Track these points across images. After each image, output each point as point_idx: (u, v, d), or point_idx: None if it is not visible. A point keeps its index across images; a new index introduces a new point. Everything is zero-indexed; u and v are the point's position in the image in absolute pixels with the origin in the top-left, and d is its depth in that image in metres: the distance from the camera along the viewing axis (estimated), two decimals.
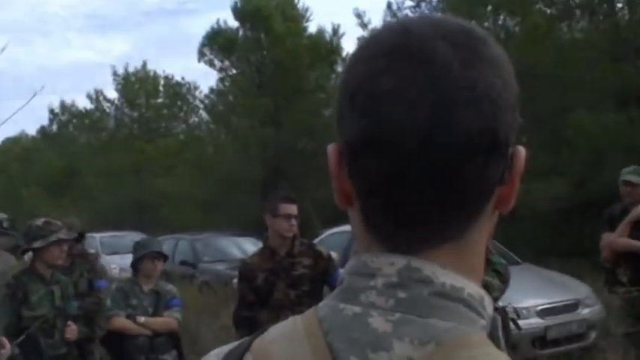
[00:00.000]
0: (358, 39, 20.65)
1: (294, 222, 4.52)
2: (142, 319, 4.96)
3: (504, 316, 4.03)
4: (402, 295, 0.69)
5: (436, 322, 0.68)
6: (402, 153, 0.68)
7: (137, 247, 5.23)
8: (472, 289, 0.71)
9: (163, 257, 5.19)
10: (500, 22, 16.72)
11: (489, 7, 16.57)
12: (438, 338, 0.67)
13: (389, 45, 0.71)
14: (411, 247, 0.71)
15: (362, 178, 0.72)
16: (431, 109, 0.67)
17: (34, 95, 2.08)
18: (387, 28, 0.75)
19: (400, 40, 0.71)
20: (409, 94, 0.68)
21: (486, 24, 16.02)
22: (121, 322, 4.97)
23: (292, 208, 4.55)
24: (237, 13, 23.73)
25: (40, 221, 4.90)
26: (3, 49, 2.08)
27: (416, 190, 0.69)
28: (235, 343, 0.80)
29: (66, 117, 35.90)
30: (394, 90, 0.68)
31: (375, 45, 0.72)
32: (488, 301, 0.73)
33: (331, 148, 0.76)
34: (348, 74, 0.73)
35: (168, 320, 5.04)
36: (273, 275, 4.52)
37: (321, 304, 0.75)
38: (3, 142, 45.44)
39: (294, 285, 4.50)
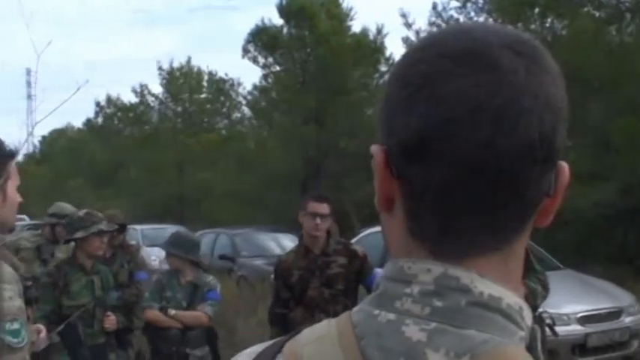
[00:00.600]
0: (403, 39, 20.58)
1: (319, 221, 4.47)
2: (172, 311, 4.96)
3: (540, 323, 3.98)
4: (438, 303, 0.68)
5: (473, 334, 0.66)
6: (461, 156, 0.67)
7: (168, 242, 5.21)
8: (511, 299, 0.69)
9: (193, 263, 5.14)
10: (547, 25, 16.46)
11: (537, 10, 16.32)
12: (474, 350, 0.65)
13: (454, 48, 0.70)
14: (454, 254, 0.70)
15: (412, 180, 0.70)
16: (495, 114, 0.66)
17: (79, 89, 2.09)
18: (449, 31, 0.74)
19: (465, 45, 0.69)
20: (474, 97, 0.67)
21: (533, 27, 15.79)
22: (152, 314, 5.00)
23: (320, 207, 4.51)
24: (282, 10, 23.81)
25: (82, 212, 4.97)
26: (49, 43, 2.09)
27: (468, 195, 0.68)
28: (268, 344, 0.79)
29: (111, 110, 36.42)
30: (459, 92, 0.67)
31: (438, 46, 0.71)
32: (527, 311, 0.71)
33: (377, 149, 0.74)
34: (406, 73, 0.72)
35: (197, 314, 5.00)
36: (307, 273, 4.52)
37: (355, 308, 0.74)
38: (50, 133, 46.36)
39: (329, 284, 4.49)
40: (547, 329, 4.40)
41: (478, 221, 0.69)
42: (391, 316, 0.69)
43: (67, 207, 5.78)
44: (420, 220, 0.71)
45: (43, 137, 48.43)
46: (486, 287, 0.68)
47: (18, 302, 2.05)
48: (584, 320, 7.56)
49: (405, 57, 0.74)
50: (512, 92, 0.67)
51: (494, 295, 0.68)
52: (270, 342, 0.79)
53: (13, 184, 2.21)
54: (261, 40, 24.19)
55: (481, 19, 18.01)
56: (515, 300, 0.70)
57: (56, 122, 46.05)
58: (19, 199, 2.27)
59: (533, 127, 0.67)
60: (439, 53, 0.70)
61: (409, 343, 0.66)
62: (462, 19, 19.00)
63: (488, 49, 0.69)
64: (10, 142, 2.30)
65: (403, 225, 0.73)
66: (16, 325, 1.99)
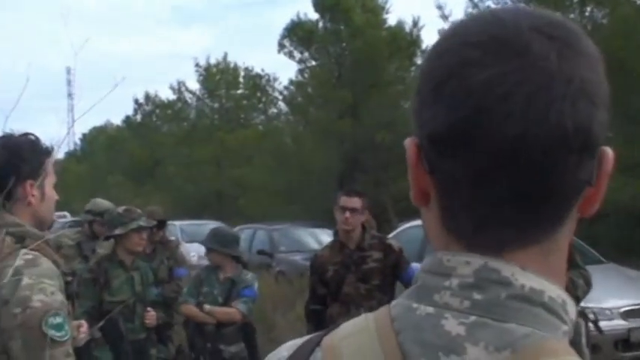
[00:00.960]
0: (439, 31, 20.43)
1: (348, 215, 4.44)
2: (207, 307, 4.99)
3: (584, 318, 3.91)
4: (477, 296, 0.66)
5: (514, 327, 0.64)
6: (492, 147, 0.65)
7: (208, 237, 5.24)
8: (554, 292, 0.67)
9: (234, 258, 5.16)
10: (587, 14, 16.20)
11: None
12: (515, 345, 0.63)
13: (481, 35, 0.67)
14: (491, 247, 0.68)
15: (444, 173, 0.69)
16: (526, 102, 0.64)
17: (116, 86, 2.11)
18: (477, 18, 0.72)
19: (493, 31, 0.67)
20: (503, 86, 0.64)
21: (572, 15, 15.54)
22: (188, 309, 5.04)
23: (349, 201, 4.47)
24: (317, 5, 23.81)
25: (121, 209, 5.03)
26: (86, 41, 2.12)
27: (503, 187, 0.66)
28: (306, 338, 0.78)
29: (150, 107, 36.84)
30: (487, 81, 0.65)
31: (464, 35, 0.69)
32: (571, 305, 0.69)
33: (409, 142, 0.72)
34: (434, 64, 0.70)
35: (230, 311, 5.00)
36: (343, 268, 4.50)
37: (393, 302, 0.73)
38: (90, 130, 47.06)
39: (364, 279, 4.46)
40: (591, 325, 4.32)
41: (513, 214, 0.67)
42: (430, 309, 0.67)
43: (103, 203, 5.84)
44: (454, 215, 0.70)
45: (84, 135, 49.21)
46: (528, 280, 0.66)
47: (60, 297, 2.07)
48: (628, 315, 7.44)
49: (432, 48, 0.72)
50: (543, 78, 0.64)
51: (535, 288, 0.66)
52: (307, 337, 0.78)
53: (50, 182, 2.24)
54: (297, 35, 24.22)
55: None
56: (557, 293, 0.68)
57: (96, 120, 46.72)
58: (56, 196, 2.30)
59: (567, 115, 0.64)
60: (465, 42, 0.68)
61: (448, 337, 0.65)
62: None
63: (517, 34, 0.66)
64: (51, 139, 2.34)
65: (438, 219, 0.72)
66: (59, 319, 2.01)
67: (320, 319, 4.54)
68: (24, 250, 2.04)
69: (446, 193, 0.70)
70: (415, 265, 4.73)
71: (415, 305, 0.69)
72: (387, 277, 4.52)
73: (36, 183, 2.17)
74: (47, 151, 2.24)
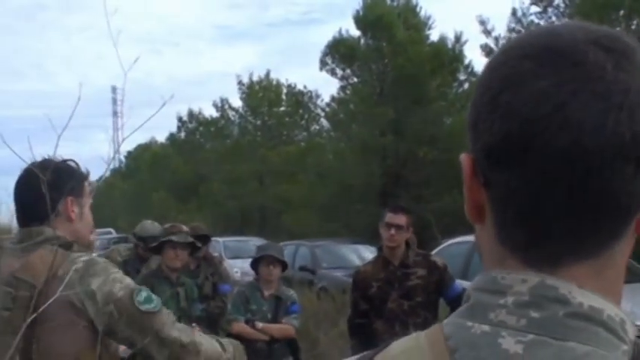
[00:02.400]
0: (482, 46, 20.31)
1: (393, 232, 4.43)
2: (259, 324, 5.02)
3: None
4: (534, 314, 0.65)
5: (574, 346, 0.63)
6: (547, 157, 0.64)
7: (257, 251, 5.34)
8: (612, 310, 0.66)
9: (281, 263, 5.21)
10: (633, 27, 15.97)
11: (621, 12, 15.87)
12: None
13: (536, 47, 0.68)
14: (546, 261, 0.68)
15: (498, 186, 0.68)
16: (582, 111, 0.63)
17: (164, 104, 2.16)
18: (533, 32, 0.72)
19: (549, 43, 0.67)
20: (558, 95, 0.64)
21: (618, 29, 15.32)
22: (239, 326, 5.06)
23: (395, 218, 4.46)
24: (359, 21, 23.89)
25: (167, 225, 5.11)
26: (136, 60, 2.17)
27: (557, 199, 0.65)
28: (355, 357, 0.77)
29: (193, 124, 37.27)
30: (542, 91, 0.65)
31: (520, 47, 0.69)
32: (630, 325, 0.67)
33: (465, 157, 0.72)
34: (489, 77, 0.70)
35: (285, 327, 5.07)
36: (386, 285, 4.48)
37: (445, 320, 0.72)
38: (135, 148, 47.73)
39: (408, 296, 4.44)
40: None
41: (568, 227, 0.66)
42: (485, 327, 0.67)
43: (149, 227, 5.91)
44: (509, 228, 0.69)
45: (129, 152, 49.94)
46: (586, 298, 0.66)
47: (129, 279, 2.19)
48: None
49: (489, 61, 0.73)
50: (599, 88, 0.64)
51: (594, 307, 0.65)
52: (357, 356, 0.78)
53: (87, 203, 2.34)
54: (339, 51, 24.32)
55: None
56: (616, 311, 0.66)
57: (141, 137, 47.43)
58: (91, 218, 2.39)
59: (624, 125, 0.63)
60: (521, 54, 0.68)
61: (506, 356, 0.64)
62: (542, 24, 18.64)
63: (573, 45, 0.66)
64: (99, 157, 2.41)
65: (493, 234, 0.71)
66: (144, 294, 2.13)
67: (365, 334, 4.53)
68: (75, 254, 2.13)
69: (500, 206, 0.69)
70: (459, 282, 4.69)
71: (470, 323, 0.68)
72: (431, 294, 4.48)
73: (76, 200, 2.27)
74: (85, 175, 2.35)
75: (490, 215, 0.71)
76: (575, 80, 0.64)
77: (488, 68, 0.71)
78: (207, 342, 2.26)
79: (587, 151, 0.63)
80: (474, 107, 0.71)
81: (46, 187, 2.13)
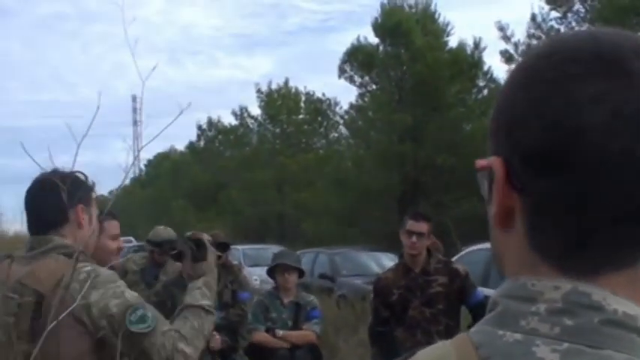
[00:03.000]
0: (501, 52, 20.25)
1: (415, 239, 4.41)
2: (280, 332, 5.02)
3: None
4: (568, 322, 0.64)
5: (611, 354, 0.62)
6: (596, 164, 0.64)
7: (273, 258, 5.35)
8: None
9: (297, 270, 5.20)
10: None
11: None
12: None
13: (584, 52, 0.67)
14: (585, 269, 0.67)
15: (537, 192, 0.67)
16: (632, 121, 0.63)
17: (181, 112, 2.17)
18: (575, 37, 0.71)
19: (595, 50, 0.67)
20: (609, 104, 0.64)
21: (639, 34, 15.23)
22: (260, 336, 5.06)
23: (416, 226, 4.44)
24: (377, 28, 23.91)
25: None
26: (153, 69, 2.19)
27: (604, 208, 0.65)
28: None
29: (212, 133, 37.45)
30: (592, 99, 0.64)
31: (565, 52, 0.68)
32: None
33: (496, 161, 0.70)
34: (531, 81, 0.69)
35: (306, 333, 5.07)
36: (407, 292, 4.46)
37: (473, 329, 0.71)
38: (155, 156, 48.05)
39: (430, 303, 4.41)
40: None
41: (609, 236, 0.65)
42: (518, 336, 0.65)
43: (162, 232, 5.92)
44: (546, 235, 0.68)
45: (148, 161, 50.28)
46: (620, 305, 0.65)
47: (130, 293, 2.19)
48: None
49: (526, 64, 0.71)
50: None
51: (629, 313, 0.64)
52: None
53: (95, 213, 2.40)
54: (357, 59, 24.35)
55: (583, 28, 17.53)
56: None
57: (161, 146, 47.74)
58: (97, 226, 2.44)
59: None
60: (568, 59, 0.67)
61: None
62: (562, 29, 18.55)
63: (620, 53, 0.66)
64: (118, 166, 2.44)
65: (524, 241, 0.70)
66: (138, 313, 2.13)
67: (385, 342, 4.51)
68: (80, 264, 2.15)
69: (537, 212, 0.68)
70: (480, 290, 4.66)
71: (500, 332, 0.67)
72: (453, 301, 4.45)
73: (86, 208, 2.32)
74: (92, 186, 2.42)
75: (522, 221, 0.70)
76: (624, 88, 0.64)
77: (526, 72, 0.70)
78: (191, 345, 2.26)
79: (634, 162, 0.63)
80: (509, 111, 0.70)
81: (61, 194, 2.17)
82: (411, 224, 4.45)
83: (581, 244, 0.66)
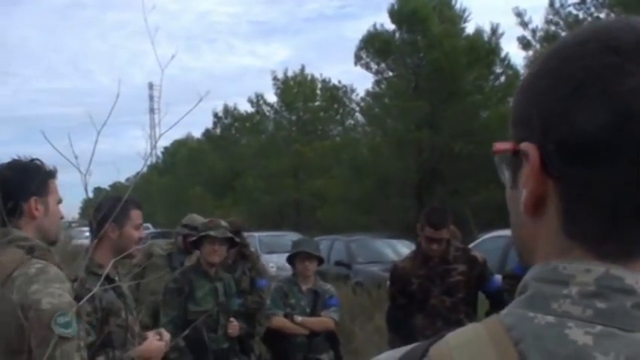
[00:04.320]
0: (519, 39, 20.09)
1: (435, 247, 4.41)
2: (299, 318, 5.05)
3: None
4: (600, 305, 0.65)
5: None
6: (634, 157, 0.65)
7: (293, 246, 5.37)
8: None
9: (317, 258, 5.23)
10: None
11: None
12: None
13: (621, 42, 0.67)
14: (620, 254, 0.67)
15: (574, 179, 0.68)
16: None
17: (200, 100, 2.18)
18: (611, 25, 0.71)
19: (634, 39, 0.67)
20: None
21: None
22: (279, 321, 5.09)
23: (436, 234, 4.38)
24: (393, 15, 23.77)
25: (206, 220, 5.15)
26: (173, 57, 2.20)
27: (633, 198, 0.66)
28: (406, 348, 0.77)
29: (229, 120, 37.47)
30: (634, 89, 0.65)
31: (603, 41, 0.68)
32: None
33: (530, 147, 0.70)
34: (567, 68, 0.69)
35: (325, 320, 5.10)
36: (427, 281, 4.46)
37: (503, 312, 0.72)
38: (172, 144, 48.19)
39: (450, 292, 4.41)
40: None
41: None
42: (550, 318, 0.66)
43: (198, 218, 5.93)
44: (582, 222, 0.69)
45: (165, 148, 50.43)
46: None
47: (67, 298, 2.28)
48: None
49: (560, 51, 0.72)
50: None
51: None
52: (410, 346, 0.77)
53: (54, 200, 2.51)
54: (374, 46, 24.24)
55: (602, 15, 17.34)
56: None
57: (177, 133, 47.88)
58: (61, 214, 2.58)
59: None
60: (606, 47, 0.67)
61: (574, 347, 0.64)
62: (581, 15, 18.37)
63: None
64: (137, 153, 2.48)
65: (557, 226, 0.71)
66: (66, 318, 2.22)
67: (402, 328, 4.52)
68: (34, 260, 2.28)
69: (574, 199, 0.69)
70: (497, 277, 4.66)
71: (532, 314, 0.68)
72: (471, 289, 4.45)
73: (41, 199, 2.44)
74: (51, 173, 2.52)
75: (557, 208, 0.70)
76: None
77: (563, 58, 0.70)
78: None
79: None
80: (543, 98, 0.70)
81: (12, 187, 2.36)
82: (430, 232, 4.39)
83: (620, 230, 0.67)
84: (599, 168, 0.66)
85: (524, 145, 0.70)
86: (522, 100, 0.73)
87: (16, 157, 2.49)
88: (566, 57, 0.70)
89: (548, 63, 0.72)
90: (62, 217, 2.62)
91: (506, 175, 0.77)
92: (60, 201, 2.57)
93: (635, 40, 0.67)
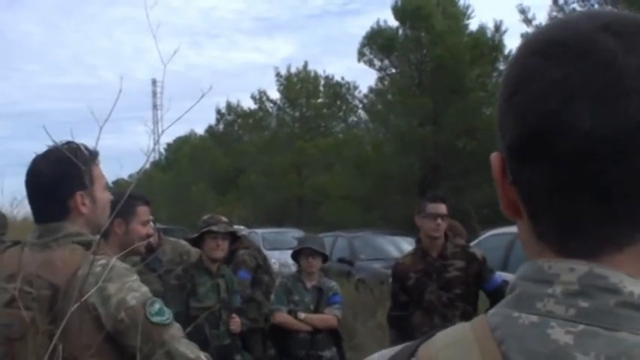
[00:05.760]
0: (522, 35, 20.05)
1: (440, 221, 4.41)
2: (302, 315, 5.06)
3: None
4: (584, 304, 0.65)
5: (625, 336, 0.63)
6: (565, 150, 0.65)
7: (298, 243, 5.37)
8: None
9: (321, 256, 5.22)
10: None
11: None
12: (629, 354, 0.62)
13: (542, 42, 0.69)
14: (586, 254, 0.67)
15: (525, 182, 0.69)
16: (591, 102, 0.64)
17: (202, 96, 2.16)
18: (545, 26, 0.73)
19: (554, 36, 0.68)
20: (566, 88, 0.65)
21: None
22: (282, 317, 5.09)
23: (439, 208, 4.44)
24: (397, 12, 23.74)
25: (206, 216, 5.15)
26: (175, 52, 2.18)
27: (581, 190, 0.66)
28: (397, 348, 0.77)
29: (232, 117, 37.49)
30: (549, 86, 0.65)
31: (529, 44, 0.70)
32: None
33: (495, 156, 0.73)
34: (506, 77, 0.72)
35: (328, 317, 5.10)
36: (424, 276, 4.46)
37: (491, 311, 0.72)
38: (174, 140, 48.21)
39: (446, 287, 4.41)
40: None
41: (599, 217, 0.66)
42: (533, 318, 0.66)
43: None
44: (542, 223, 0.70)
45: (168, 145, 50.46)
46: (636, 287, 0.65)
47: (145, 288, 2.18)
48: None
49: (509, 60, 0.74)
50: (609, 76, 0.64)
51: None
52: (400, 346, 0.77)
53: (100, 187, 2.31)
54: (377, 42, 24.21)
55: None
56: None
57: (180, 130, 47.96)
58: (108, 197, 2.37)
59: (636, 108, 0.63)
60: (529, 51, 0.69)
61: (555, 346, 0.64)
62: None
63: (579, 36, 0.66)
64: (140, 150, 2.43)
65: (530, 229, 0.72)
66: (157, 306, 2.13)
67: (403, 326, 4.53)
68: (96, 257, 2.12)
69: (530, 202, 0.70)
70: (499, 274, 4.65)
71: (516, 314, 0.68)
72: (470, 286, 4.45)
73: (86, 192, 2.25)
74: (91, 158, 2.30)
75: (524, 211, 0.72)
76: (582, 71, 0.65)
77: (506, 68, 0.73)
78: None
79: (604, 140, 0.63)
80: (498, 107, 0.72)
81: (56, 185, 2.19)
82: (432, 207, 4.45)
83: (575, 229, 0.67)
84: (539, 170, 0.67)
85: (492, 155, 0.73)
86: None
87: (51, 145, 2.27)
88: (509, 65, 0.72)
89: (504, 71, 0.74)
90: (111, 199, 2.39)
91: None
92: (107, 185, 2.37)
93: (556, 37, 0.68)
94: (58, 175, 2.22)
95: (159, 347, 2.10)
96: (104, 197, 2.33)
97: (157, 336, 2.10)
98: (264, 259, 6.66)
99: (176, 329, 2.17)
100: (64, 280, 2.08)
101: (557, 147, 0.65)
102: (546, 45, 0.68)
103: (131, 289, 2.12)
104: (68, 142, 2.28)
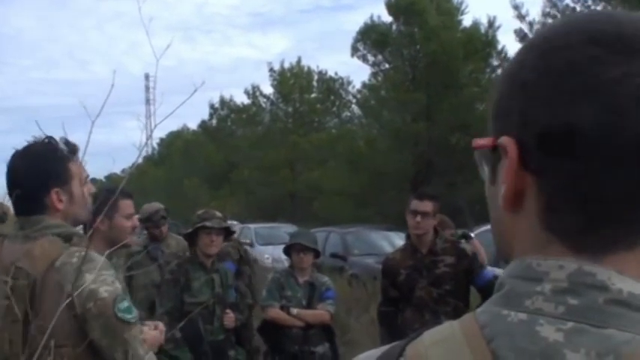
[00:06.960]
0: (516, 31, 20.07)
1: (419, 219, 4.39)
2: (294, 310, 5.04)
3: None
4: (573, 301, 0.65)
5: (613, 333, 0.63)
6: (620, 149, 0.64)
7: (289, 238, 5.36)
8: None
9: (313, 251, 5.21)
10: None
11: None
12: (617, 351, 0.62)
13: (603, 34, 0.67)
14: (596, 249, 0.67)
15: (554, 172, 0.67)
16: None
17: (195, 91, 2.15)
18: (593, 17, 0.71)
19: (615, 30, 0.66)
20: (633, 86, 0.64)
21: None
22: (274, 312, 5.08)
23: (420, 205, 4.41)
24: (391, 7, 23.74)
25: (200, 211, 5.13)
26: (167, 47, 2.18)
27: (625, 189, 0.65)
28: (385, 348, 0.76)
29: (225, 112, 37.42)
30: (615, 81, 0.64)
31: (584, 32, 0.67)
32: None
33: (508, 141, 0.69)
34: (549, 60, 0.68)
35: (320, 313, 5.09)
36: (414, 272, 4.46)
37: (479, 309, 0.71)
38: (167, 135, 48.13)
39: (436, 283, 4.40)
40: None
41: (624, 213, 0.66)
42: (522, 315, 0.66)
43: (148, 208, 5.88)
44: (561, 215, 0.68)
45: (161, 139, 50.37)
46: (625, 284, 0.65)
47: (118, 284, 2.22)
48: None
49: (540, 43, 0.70)
50: None
51: (634, 293, 0.65)
52: (389, 345, 0.77)
53: (77, 183, 2.33)
54: (370, 38, 24.22)
55: (598, 8, 17.32)
56: None
57: (173, 124, 47.87)
58: (89, 191, 2.39)
59: None
60: (588, 39, 0.66)
61: (545, 344, 0.63)
62: (578, 8, 18.35)
63: (638, 31, 0.66)
64: (132, 144, 2.43)
65: (536, 220, 0.70)
66: (126, 303, 2.17)
67: (392, 322, 4.53)
68: (73, 248, 2.17)
69: (554, 192, 0.68)
70: (491, 270, 4.65)
71: (505, 312, 0.67)
72: (460, 282, 4.44)
73: (62, 189, 2.27)
74: (70, 155, 2.32)
75: (536, 201, 0.69)
76: None
77: (545, 51, 0.69)
78: None
79: None
80: (524, 90, 0.69)
81: (34, 179, 2.22)
82: (415, 204, 4.44)
83: (596, 224, 0.66)
84: (580, 161, 0.65)
85: (503, 139, 0.70)
86: (502, 93, 0.72)
87: (30, 140, 2.29)
88: (547, 49, 0.69)
89: (528, 56, 0.71)
90: (92, 193, 2.42)
91: (485, 171, 0.77)
92: (86, 179, 2.38)
93: (616, 31, 0.66)
94: (34, 172, 2.25)
95: (119, 344, 2.14)
96: (81, 193, 2.35)
97: (119, 332, 2.13)
98: (246, 251, 6.88)
99: (138, 331, 2.21)
100: (40, 271, 2.13)
101: (613, 144, 0.64)
102: (608, 37, 0.66)
103: (105, 282, 2.15)
104: (48, 138, 2.30)
